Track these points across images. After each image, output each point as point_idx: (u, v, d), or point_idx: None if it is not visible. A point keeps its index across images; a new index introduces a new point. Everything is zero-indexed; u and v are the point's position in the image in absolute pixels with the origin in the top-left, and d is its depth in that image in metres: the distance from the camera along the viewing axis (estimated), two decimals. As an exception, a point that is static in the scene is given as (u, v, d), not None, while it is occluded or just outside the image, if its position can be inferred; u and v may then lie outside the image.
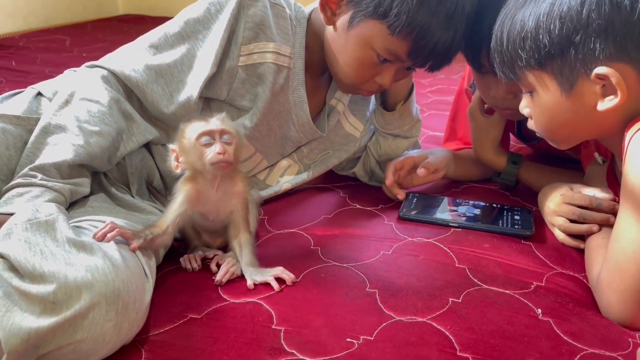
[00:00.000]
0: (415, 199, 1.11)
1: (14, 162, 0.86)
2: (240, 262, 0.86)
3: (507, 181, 1.15)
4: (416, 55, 0.90)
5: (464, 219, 1.02)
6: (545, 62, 0.78)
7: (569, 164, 1.23)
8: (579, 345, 0.71)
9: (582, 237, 0.94)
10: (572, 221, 0.94)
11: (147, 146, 1.00)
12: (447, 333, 0.73)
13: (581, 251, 0.93)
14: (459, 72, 2.21)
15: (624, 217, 0.75)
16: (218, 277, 0.84)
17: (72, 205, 0.86)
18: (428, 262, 0.89)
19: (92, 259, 0.66)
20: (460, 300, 0.79)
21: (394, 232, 1.00)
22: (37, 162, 0.82)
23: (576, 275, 0.87)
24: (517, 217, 1.02)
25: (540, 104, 0.84)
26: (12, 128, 0.89)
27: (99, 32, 2.93)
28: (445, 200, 1.10)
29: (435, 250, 0.93)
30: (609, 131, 0.81)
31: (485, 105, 1.13)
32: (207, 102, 1.02)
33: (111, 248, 0.71)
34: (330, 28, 0.97)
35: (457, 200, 1.10)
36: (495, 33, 0.85)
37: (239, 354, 0.70)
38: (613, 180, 0.93)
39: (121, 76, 0.93)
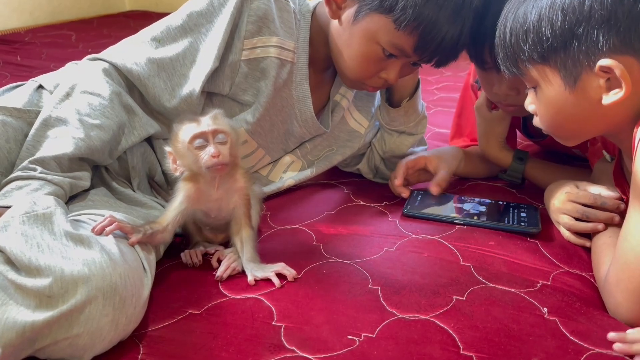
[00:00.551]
0: (420, 196, 1.09)
1: (13, 155, 0.86)
2: (242, 257, 0.85)
3: (513, 178, 1.14)
4: (422, 50, 0.89)
5: (469, 216, 1.01)
6: (548, 55, 0.77)
7: (575, 161, 1.22)
8: (585, 345, 0.69)
9: (588, 235, 0.92)
10: (577, 219, 0.92)
11: (149, 140, 1.00)
12: (451, 331, 0.71)
13: (588, 250, 0.91)
14: (466, 69, 2.17)
15: (634, 216, 0.73)
16: (219, 273, 0.83)
17: (72, 198, 0.85)
18: (432, 260, 0.88)
19: (90, 253, 0.65)
20: (464, 298, 0.78)
21: (397, 229, 0.99)
22: (37, 155, 0.81)
23: (583, 274, 0.86)
24: (523, 215, 1.00)
25: (544, 100, 0.82)
26: (13, 121, 0.88)
27: (104, 28, 2.93)
28: (451, 197, 1.09)
29: (440, 247, 0.91)
30: (616, 127, 0.80)
31: None
32: (210, 97, 1.01)
33: (109, 242, 0.70)
34: (335, 22, 0.96)
35: (463, 197, 1.08)
36: (498, 28, 0.84)
37: (238, 350, 0.69)
38: (620, 178, 0.91)
39: (123, 69, 0.92)
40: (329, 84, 1.11)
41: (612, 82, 0.73)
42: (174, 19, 0.96)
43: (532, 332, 0.71)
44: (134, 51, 0.95)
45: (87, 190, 0.88)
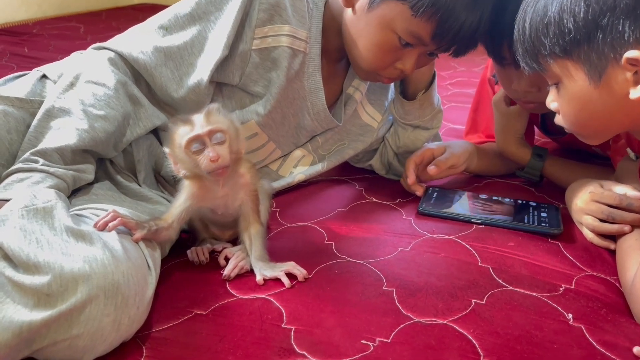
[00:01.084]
0: (436, 193, 1.06)
1: (15, 146, 0.83)
2: (250, 255, 0.82)
3: (531, 176, 1.10)
4: (440, 37, 0.85)
5: (487, 215, 0.97)
6: (571, 48, 0.73)
7: (595, 159, 1.17)
8: (612, 356, 0.65)
9: (613, 237, 0.88)
10: (602, 220, 0.88)
11: (155, 132, 0.96)
12: (470, 337, 0.68)
13: (613, 252, 0.87)
14: (480, 64, 2.15)
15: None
16: (226, 272, 0.80)
17: (75, 192, 0.82)
18: (449, 261, 0.84)
19: (91, 249, 0.62)
20: (483, 302, 0.74)
21: (412, 227, 0.95)
22: (39, 146, 0.78)
23: (608, 278, 0.82)
24: (544, 215, 0.96)
25: (566, 96, 0.78)
26: (15, 111, 0.86)
27: (113, 21, 2.91)
28: (467, 195, 1.05)
29: (457, 247, 0.88)
30: None
31: None
32: (219, 87, 0.97)
33: (112, 238, 0.67)
34: (348, 11, 0.93)
35: (480, 196, 1.05)
36: (517, 22, 0.80)
37: (245, 354, 0.65)
38: (647, 178, 0.87)
39: (129, 58, 0.89)
40: (341, 76, 1.07)
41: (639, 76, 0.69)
42: (182, 7, 0.93)
43: (556, 339, 0.68)
44: (140, 40, 0.92)
45: (90, 184, 0.85)
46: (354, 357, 0.65)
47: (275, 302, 0.74)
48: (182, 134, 0.74)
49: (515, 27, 0.80)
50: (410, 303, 0.74)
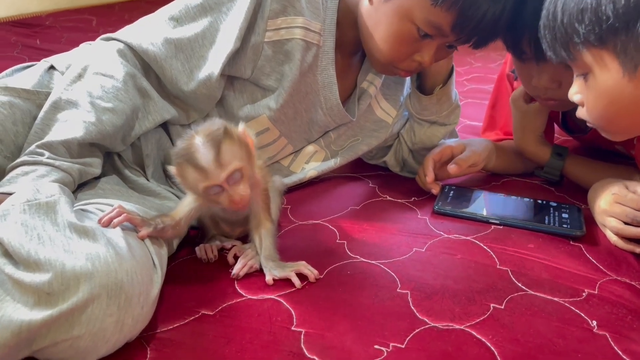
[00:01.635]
0: (452, 192, 1.02)
1: (21, 139, 0.81)
2: (260, 254, 0.79)
3: (551, 175, 1.06)
4: (461, 28, 0.82)
5: (506, 215, 0.93)
6: (607, 37, 0.69)
7: (619, 158, 1.13)
8: (641, 367, 0.62)
9: (639, 240, 0.84)
10: (626, 223, 0.85)
11: (165, 126, 0.94)
12: (489, 344, 0.65)
13: (638, 256, 0.84)
14: (497, 60, 2.10)
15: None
16: (235, 270, 0.78)
17: (81, 186, 0.80)
18: (466, 262, 0.81)
19: (94, 247, 0.60)
20: (502, 307, 0.71)
21: (428, 227, 0.92)
22: (46, 139, 0.76)
23: (633, 283, 0.78)
24: (565, 216, 0.92)
25: (596, 88, 0.74)
26: (21, 102, 0.84)
27: (126, 13, 2.89)
28: (485, 194, 1.02)
29: (474, 249, 0.85)
30: None
31: None
32: (230, 81, 0.95)
33: (116, 235, 0.65)
34: (365, 1, 0.89)
35: (498, 195, 1.01)
36: (546, 7, 0.76)
37: (253, 357, 0.63)
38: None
39: (138, 50, 0.87)
40: (356, 70, 1.04)
41: None
42: (193, -3, 0.90)
43: (580, 348, 0.64)
44: (150, 31, 0.89)
45: (97, 178, 0.83)
46: (367, 363, 0.62)
47: (285, 303, 0.72)
48: (195, 179, 0.71)
49: (544, 12, 0.77)
50: (425, 307, 0.71)
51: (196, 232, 0.90)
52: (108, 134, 0.80)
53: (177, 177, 0.74)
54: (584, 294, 0.74)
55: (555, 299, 0.73)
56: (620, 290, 0.76)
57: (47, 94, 0.83)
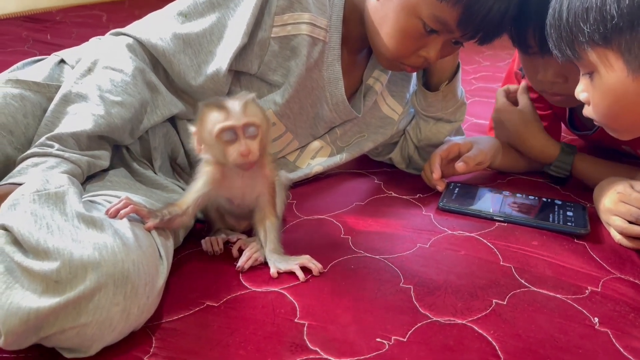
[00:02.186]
0: (457, 188, 1.02)
1: (31, 131, 0.82)
2: (264, 248, 0.80)
3: (561, 170, 1.06)
4: (467, 24, 0.82)
5: (510, 212, 0.94)
6: (612, 37, 0.69)
7: (626, 158, 1.13)
8: (641, 363, 0.62)
9: (643, 239, 0.84)
10: (630, 222, 0.84)
11: (172, 120, 0.95)
12: (490, 339, 0.65)
13: (642, 255, 0.84)
14: (505, 59, 2.10)
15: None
16: (240, 263, 0.78)
17: (89, 178, 0.81)
18: (470, 259, 0.81)
19: (102, 237, 0.61)
20: (505, 303, 0.71)
21: (432, 223, 0.92)
22: (55, 131, 0.77)
23: (636, 281, 0.78)
24: (569, 214, 0.93)
25: (601, 87, 0.75)
26: (31, 95, 0.85)
27: (136, 9, 2.90)
28: (490, 191, 1.02)
29: (478, 245, 0.85)
30: None
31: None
32: (237, 76, 0.95)
33: (124, 226, 0.66)
34: (371, -2, 0.90)
35: (503, 192, 1.01)
36: (552, 6, 0.76)
37: (257, 348, 0.64)
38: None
39: (147, 45, 0.88)
40: (362, 67, 1.05)
41: None
42: (201, -7, 0.91)
43: (581, 344, 0.64)
44: (159, 26, 0.90)
45: (106, 171, 0.84)
46: (369, 355, 0.62)
47: (288, 296, 0.73)
48: (215, 120, 0.72)
49: (550, 10, 0.77)
50: (428, 301, 0.71)
51: (202, 226, 0.91)
52: (117, 127, 0.81)
53: (197, 124, 0.75)
54: (587, 291, 0.75)
55: (558, 295, 0.73)
56: (624, 288, 0.76)
57: (58, 87, 0.84)
